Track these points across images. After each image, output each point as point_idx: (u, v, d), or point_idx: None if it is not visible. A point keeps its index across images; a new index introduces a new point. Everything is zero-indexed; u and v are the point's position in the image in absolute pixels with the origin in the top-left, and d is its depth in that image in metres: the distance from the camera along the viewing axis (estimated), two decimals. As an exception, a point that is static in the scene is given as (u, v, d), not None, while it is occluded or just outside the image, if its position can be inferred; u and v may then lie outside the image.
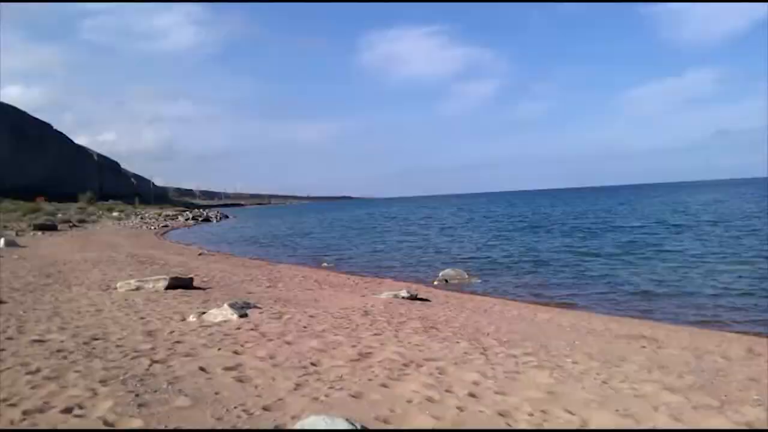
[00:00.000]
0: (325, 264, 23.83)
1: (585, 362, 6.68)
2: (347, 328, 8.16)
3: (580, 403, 4.99)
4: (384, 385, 5.24)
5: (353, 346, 6.83)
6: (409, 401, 4.79)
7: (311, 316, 9.02)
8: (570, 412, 4.70)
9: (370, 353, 6.53)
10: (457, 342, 7.54)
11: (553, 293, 15.13)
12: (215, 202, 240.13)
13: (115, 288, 11.82)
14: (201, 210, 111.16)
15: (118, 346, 6.64)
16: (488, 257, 23.70)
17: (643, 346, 8.18)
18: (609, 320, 11.09)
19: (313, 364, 5.95)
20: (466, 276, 17.99)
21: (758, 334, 10.15)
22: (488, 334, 8.31)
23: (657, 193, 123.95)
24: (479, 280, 17.66)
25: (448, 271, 18.35)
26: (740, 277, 15.86)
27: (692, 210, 49.46)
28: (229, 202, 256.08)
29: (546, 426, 4.36)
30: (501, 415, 4.54)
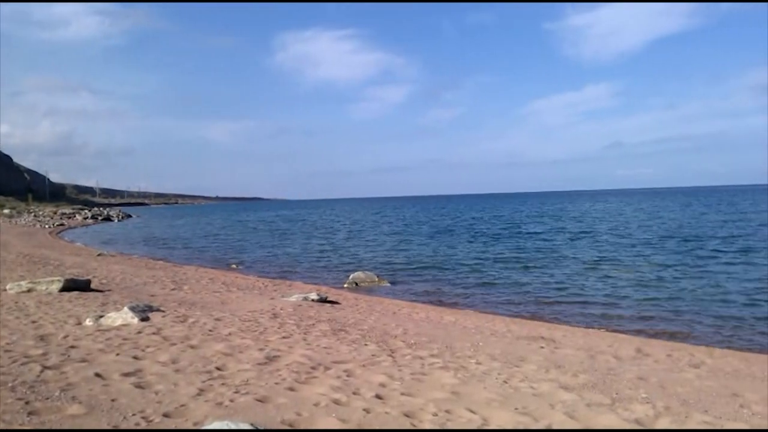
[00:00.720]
0: (233, 266, 23.32)
1: (487, 363, 6.91)
2: (255, 331, 8.03)
3: (482, 402, 5.16)
4: (291, 389, 5.19)
5: (261, 350, 6.73)
6: (316, 404, 4.77)
7: (217, 319, 8.80)
8: (472, 412, 4.85)
9: (277, 356, 6.45)
10: (366, 344, 7.59)
11: (459, 296, 15.55)
12: (117, 200, 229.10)
13: (4, 290, 11.04)
14: (101, 209, 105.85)
15: (6, 351, 6.20)
16: (398, 261, 24.02)
17: (542, 347, 8.56)
18: (511, 322, 11.53)
19: (218, 368, 5.81)
20: (376, 279, 18.14)
21: (647, 335, 10.87)
22: (396, 337, 8.42)
23: (558, 201, 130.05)
24: (389, 284, 17.85)
25: (358, 274, 18.43)
26: (630, 282, 16.92)
27: (589, 218, 52.26)
28: (132, 201, 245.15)
29: (449, 426, 4.47)
30: (406, 415, 4.62)
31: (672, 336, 10.87)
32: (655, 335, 10.89)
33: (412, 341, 8.11)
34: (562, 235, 33.64)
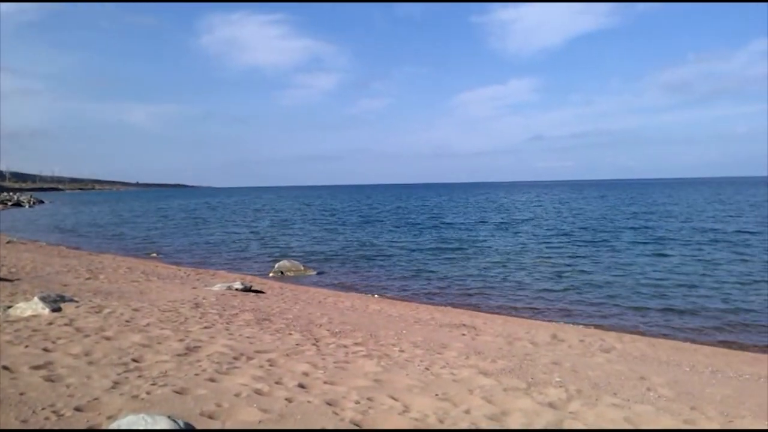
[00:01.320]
0: (154, 254, 22.60)
1: (410, 350, 7.02)
2: (175, 321, 7.82)
3: (404, 389, 5.24)
4: (212, 380, 5.10)
5: (181, 340, 6.57)
6: (237, 395, 4.71)
7: (135, 310, 8.51)
8: (394, 398, 4.92)
9: (198, 347, 6.32)
10: (290, 333, 7.55)
11: (385, 285, 15.69)
12: (29, 185, 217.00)
13: None
14: (11, 193, 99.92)
15: None
16: (324, 250, 23.96)
17: (463, 334, 8.78)
18: (434, 310, 11.75)
19: (134, 360, 5.63)
20: (302, 268, 18.04)
21: (563, 322, 11.34)
22: (321, 326, 8.42)
23: (482, 191, 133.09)
24: (315, 272, 17.79)
25: (284, 263, 18.27)
26: (548, 271, 17.58)
27: (511, 209, 53.81)
28: (45, 186, 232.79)
29: (371, 413, 4.52)
30: (329, 404, 4.63)
31: (586, 322, 11.38)
32: (570, 322, 11.38)
33: (337, 330, 8.13)
34: (486, 226, 34.49)
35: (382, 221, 40.70)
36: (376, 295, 14.01)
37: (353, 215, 49.01)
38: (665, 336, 10.39)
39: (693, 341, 10.08)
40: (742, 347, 9.74)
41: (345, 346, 6.97)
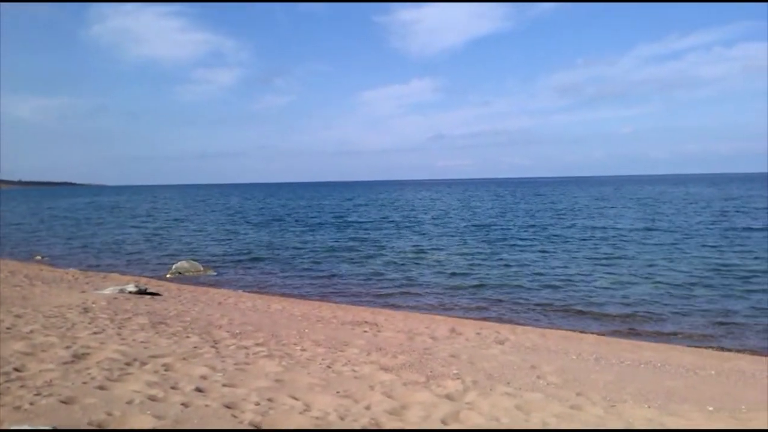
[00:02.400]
0: (38, 257, 21.17)
1: (312, 349, 7.02)
2: (61, 327, 7.38)
3: (305, 388, 5.24)
4: (101, 387, 4.86)
5: (67, 347, 6.21)
6: (130, 402, 4.52)
7: (17, 316, 7.95)
8: (294, 398, 4.90)
9: (87, 354, 5.99)
10: (188, 336, 7.33)
11: (287, 284, 15.56)
12: None
13: None
14: None
15: None
16: (225, 249, 23.40)
17: (365, 331, 8.88)
18: (337, 308, 11.79)
19: (16, 369, 5.26)
20: (201, 269, 17.53)
21: (460, 317, 11.72)
22: (221, 327, 8.23)
23: (385, 190, 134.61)
24: (215, 273, 17.35)
25: (181, 264, 17.67)
26: (449, 267, 18.09)
27: (412, 208, 54.84)
28: None
29: (272, 414, 4.49)
30: (227, 407, 4.55)
31: (483, 316, 11.83)
32: (468, 316, 11.79)
33: (237, 331, 7.98)
34: (388, 224, 34.93)
35: (284, 220, 40.25)
36: (278, 295, 13.85)
37: (254, 214, 48.12)
38: (555, 327, 10.97)
39: (581, 331, 10.72)
40: (623, 335, 10.47)
41: (246, 347, 6.86)
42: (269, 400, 4.81)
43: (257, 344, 7.11)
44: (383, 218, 40.10)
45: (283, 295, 13.96)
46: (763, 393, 6.54)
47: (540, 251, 21.34)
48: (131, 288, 11.70)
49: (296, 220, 39.48)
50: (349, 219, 40.12)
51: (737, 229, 26.63)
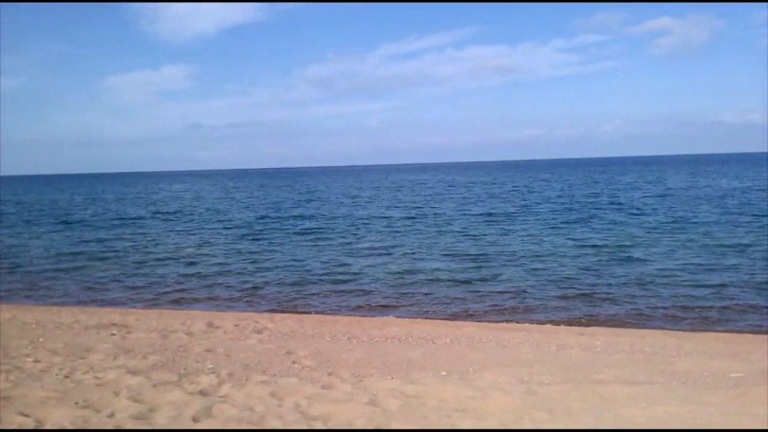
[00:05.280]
0: None
1: (48, 359, 6.35)
2: None
3: (37, 402, 4.74)
4: None
5: None
6: None
7: None
8: (24, 415, 4.41)
9: None
10: None
11: (13, 288, 13.77)
12: None
13: None
14: None
15: None
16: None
17: (113, 334, 8.27)
18: (79, 312, 10.74)
19: None
20: None
21: (241, 310, 11.51)
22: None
23: (138, 182, 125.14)
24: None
25: None
26: (226, 261, 17.59)
27: (179, 200, 52.14)
28: None
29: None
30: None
31: (272, 308, 11.65)
32: (229, 309, 11.63)
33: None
34: (155, 220, 31.99)
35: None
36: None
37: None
38: (312, 312, 11.33)
39: (335, 313, 11.24)
40: (377, 314, 11.21)
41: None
42: None
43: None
44: (154, 213, 36.23)
45: (10, 303, 12.26)
46: (487, 354, 7.54)
47: (305, 242, 21.76)
48: None
49: (13, 219, 33.92)
50: (76, 217, 34.60)
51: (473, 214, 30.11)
